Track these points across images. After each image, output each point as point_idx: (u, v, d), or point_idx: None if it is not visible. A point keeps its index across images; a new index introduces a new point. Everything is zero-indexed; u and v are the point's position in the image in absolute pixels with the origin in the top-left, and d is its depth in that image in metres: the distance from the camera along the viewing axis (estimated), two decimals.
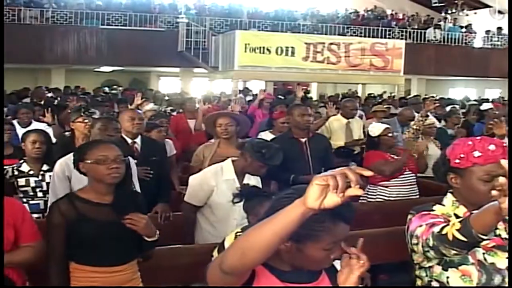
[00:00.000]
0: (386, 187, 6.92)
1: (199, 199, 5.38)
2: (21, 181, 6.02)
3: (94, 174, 3.78)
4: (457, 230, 2.56)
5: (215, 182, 5.28)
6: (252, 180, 5.40)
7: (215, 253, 4.32)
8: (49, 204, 5.16)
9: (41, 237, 3.80)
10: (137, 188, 5.36)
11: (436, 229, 2.74)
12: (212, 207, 5.34)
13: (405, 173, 6.96)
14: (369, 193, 7.01)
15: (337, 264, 2.42)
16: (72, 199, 3.80)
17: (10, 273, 3.64)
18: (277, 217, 1.93)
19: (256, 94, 15.13)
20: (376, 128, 7.17)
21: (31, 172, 6.03)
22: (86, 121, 6.73)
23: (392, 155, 7.00)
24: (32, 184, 5.98)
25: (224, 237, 4.91)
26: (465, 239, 2.54)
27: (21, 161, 6.18)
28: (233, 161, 5.44)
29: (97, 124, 5.39)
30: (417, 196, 7.05)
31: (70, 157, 5.16)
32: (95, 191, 3.81)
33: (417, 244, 2.90)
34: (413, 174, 7.10)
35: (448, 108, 13.03)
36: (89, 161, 3.77)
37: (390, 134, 7.09)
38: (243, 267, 2.06)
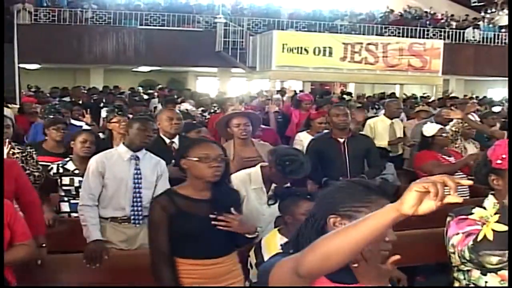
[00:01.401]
0: None
1: None
2: (65, 180, 6.00)
3: (194, 171, 3.87)
4: (497, 221, 2.52)
5: (245, 191, 5.09)
6: None
7: (251, 254, 4.33)
8: (80, 198, 5.20)
9: (32, 236, 3.89)
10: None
11: (471, 242, 2.70)
12: None
13: (456, 174, 6.91)
14: None
15: None
16: (171, 195, 3.92)
17: (5, 273, 3.67)
18: (367, 221, 1.90)
19: (296, 93, 15.07)
20: (430, 128, 7.15)
21: (76, 172, 5.98)
22: (121, 121, 6.81)
23: (444, 156, 6.97)
24: (76, 184, 5.91)
25: None
26: (506, 228, 2.50)
27: (67, 159, 6.17)
28: (261, 167, 5.31)
29: (136, 124, 5.30)
30: (467, 197, 6.97)
31: (105, 154, 5.21)
32: (194, 187, 3.91)
33: (453, 253, 2.88)
34: (464, 175, 7.02)
35: (495, 109, 12.84)
36: (191, 158, 3.86)
37: (444, 134, 7.07)
38: (326, 270, 2.05)
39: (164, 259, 3.83)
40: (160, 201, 3.90)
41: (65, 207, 6.00)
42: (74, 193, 5.94)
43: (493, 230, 2.54)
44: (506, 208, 2.50)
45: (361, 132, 8.47)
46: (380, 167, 7.26)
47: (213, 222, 3.76)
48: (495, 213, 2.62)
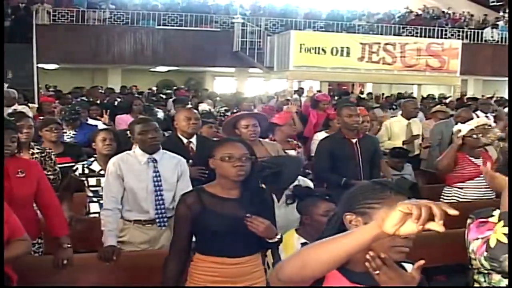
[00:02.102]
0: (461, 188, 6.92)
1: None
2: (92, 181, 5.99)
3: (220, 171, 3.89)
4: (503, 226, 2.53)
5: None
6: (301, 182, 5.33)
7: (268, 254, 4.33)
8: (103, 202, 5.20)
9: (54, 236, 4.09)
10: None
11: (485, 253, 2.70)
12: None
13: (482, 175, 6.88)
14: (445, 194, 7.03)
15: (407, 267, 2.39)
16: (198, 193, 3.94)
17: (6, 269, 3.69)
18: (349, 236, 1.93)
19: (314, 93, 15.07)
20: (461, 129, 7.12)
21: (102, 172, 5.91)
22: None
23: (471, 157, 6.96)
24: (103, 184, 5.74)
25: None
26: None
27: (92, 159, 6.15)
28: None
29: (136, 130, 5.22)
30: (494, 197, 6.92)
31: (121, 156, 5.20)
32: (221, 186, 3.92)
33: (474, 259, 2.87)
34: None
35: (505, 110, 12.74)
36: (216, 158, 3.88)
37: (475, 136, 7.01)
38: (301, 279, 2.07)
39: (173, 253, 3.90)
40: (186, 198, 3.93)
41: (94, 207, 6.00)
42: (102, 193, 5.76)
43: (503, 234, 2.54)
44: (506, 213, 2.51)
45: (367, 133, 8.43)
46: (379, 168, 7.25)
47: (245, 217, 3.76)
48: (498, 220, 2.62)
